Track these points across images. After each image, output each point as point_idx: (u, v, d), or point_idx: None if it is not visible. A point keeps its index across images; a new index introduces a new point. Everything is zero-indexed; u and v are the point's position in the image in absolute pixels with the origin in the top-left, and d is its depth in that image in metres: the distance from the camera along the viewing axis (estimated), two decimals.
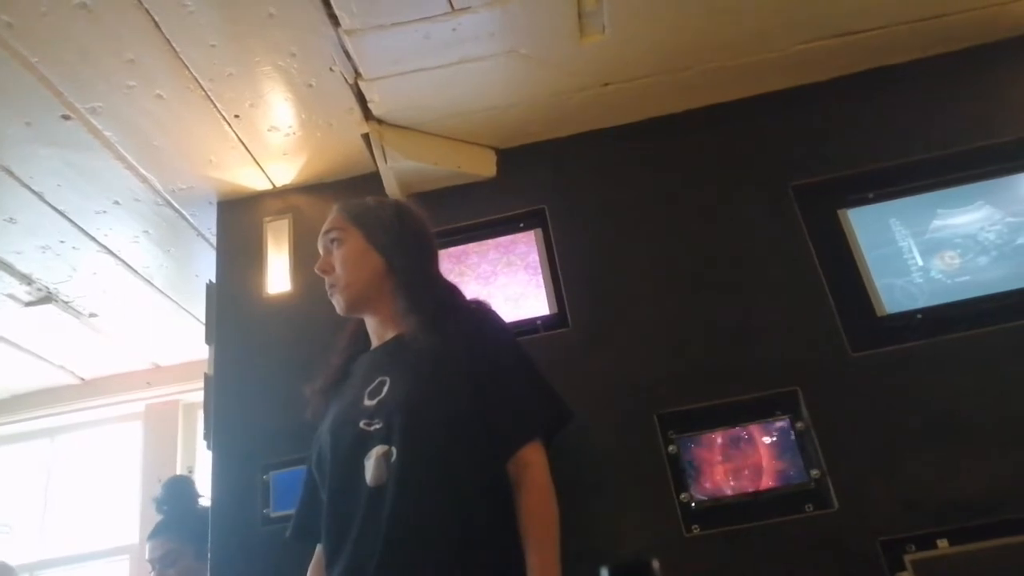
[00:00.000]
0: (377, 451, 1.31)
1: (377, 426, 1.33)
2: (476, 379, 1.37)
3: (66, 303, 2.97)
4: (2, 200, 2.32)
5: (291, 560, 1.52)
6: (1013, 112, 2.15)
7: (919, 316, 1.95)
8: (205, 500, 2.38)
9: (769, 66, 2.21)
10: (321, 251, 1.60)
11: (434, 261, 1.62)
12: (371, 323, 1.56)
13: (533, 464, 1.34)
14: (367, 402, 1.39)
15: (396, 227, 1.56)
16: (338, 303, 1.54)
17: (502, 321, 1.57)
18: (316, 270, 1.57)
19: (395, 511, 1.25)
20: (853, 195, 2.12)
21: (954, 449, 1.79)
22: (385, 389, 1.38)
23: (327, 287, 1.56)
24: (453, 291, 1.59)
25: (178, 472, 3.51)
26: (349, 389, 1.47)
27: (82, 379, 3.71)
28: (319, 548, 1.47)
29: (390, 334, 1.50)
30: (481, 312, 1.54)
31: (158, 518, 2.34)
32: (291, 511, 1.58)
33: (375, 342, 1.54)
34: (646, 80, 2.19)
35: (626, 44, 2.04)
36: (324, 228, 1.59)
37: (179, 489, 2.33)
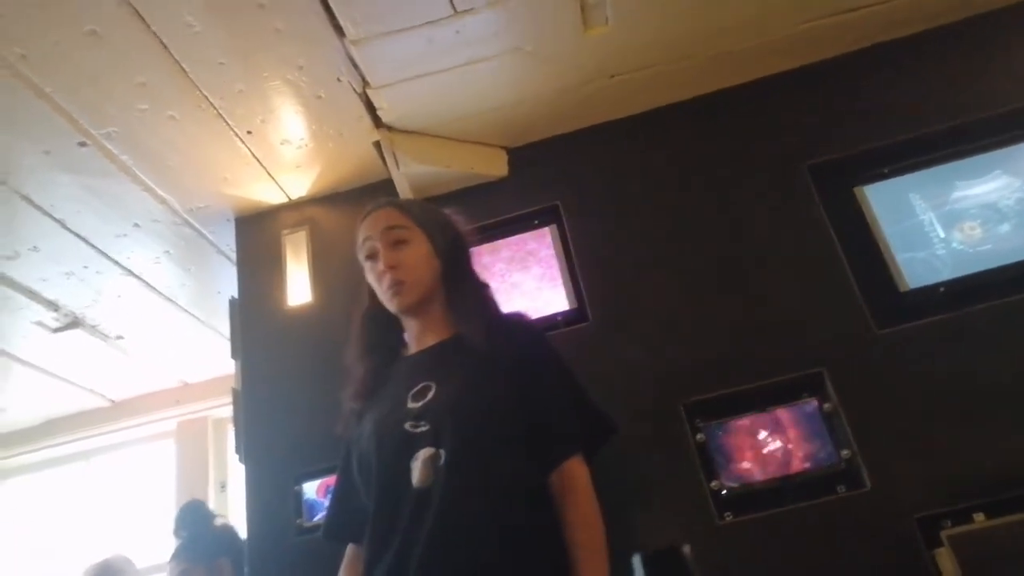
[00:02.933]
0: (424, 453, 1.31)
1: (424, 428, 1.33)
2: (523, 390, 1.38)
3: (93, 327, 3.02)
4: (25, 229, 2.36)
5: (325, 570, 1.53)
6: (1022, 78, 2.12)
7: (942, 289, 1.93)
8: (220, 519, 2.43)
9: (775, 47, 2.19)
10: (380, 245, 1.49)
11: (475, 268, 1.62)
12: (414, 326, 1.53)
13: (576, 476, 1.34)
14: (411, 404, 1.38)
15: (451, 233, 1.55)
16: (400, 301, 1.47)
17: (545, 333, 1.58)
18: (384, 266, 1.47)
19: (442, 513, 1.25)
20: (868, 171, 2.10)
21: (986, 420, 1.77)
22: (431, 393, 1.38)
23: (389, 284, 1.47)
24: (494, 299, 1.59)
25: (211, 487, 3.56)
26: (388, 394, 1.46)
27: (112, 401, 3.76)
28: (350, 548, 1.48)
29: (432, 340, 1.49)
30: (527, 323, 1.55)
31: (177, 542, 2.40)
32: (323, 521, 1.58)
33: (414, 347, 1.53)
34: (652, 69, 2.19)
35: (630, 34, 2.04)
36: (386, 223, 1.50)
37: (192, 513, 2.39)
